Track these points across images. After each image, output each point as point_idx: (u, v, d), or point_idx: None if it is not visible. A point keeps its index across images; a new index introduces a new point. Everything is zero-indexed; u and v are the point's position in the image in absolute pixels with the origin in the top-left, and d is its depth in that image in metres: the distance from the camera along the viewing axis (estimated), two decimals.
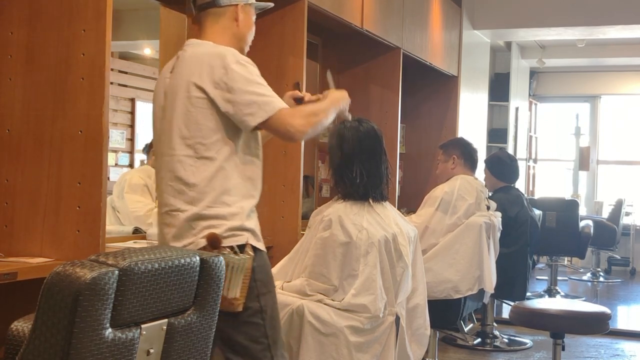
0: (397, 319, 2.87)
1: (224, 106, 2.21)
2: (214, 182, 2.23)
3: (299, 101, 2.54)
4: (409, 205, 5.35)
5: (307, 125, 2.28)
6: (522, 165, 8.03)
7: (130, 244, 2.92)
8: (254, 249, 2.27)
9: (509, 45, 8.42)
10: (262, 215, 3.50)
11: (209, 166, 2.23)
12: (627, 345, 5.39)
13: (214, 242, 2.18)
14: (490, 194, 4.98)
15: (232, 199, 2.25)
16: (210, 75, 2.21)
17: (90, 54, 2.36)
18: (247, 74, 2.23)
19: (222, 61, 2.22)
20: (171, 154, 2.24)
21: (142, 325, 1.66)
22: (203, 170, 2.23)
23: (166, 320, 1.74)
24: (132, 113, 3.68)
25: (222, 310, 2.00)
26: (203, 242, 2.19)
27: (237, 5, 2.37)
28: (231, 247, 2.21)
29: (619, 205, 8.73)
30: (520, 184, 6.94)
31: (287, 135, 2.27)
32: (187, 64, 2.27)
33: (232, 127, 2.25)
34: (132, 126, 3.68)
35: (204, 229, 2.21)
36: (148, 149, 3.67)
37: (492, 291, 4.24)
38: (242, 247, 2.23)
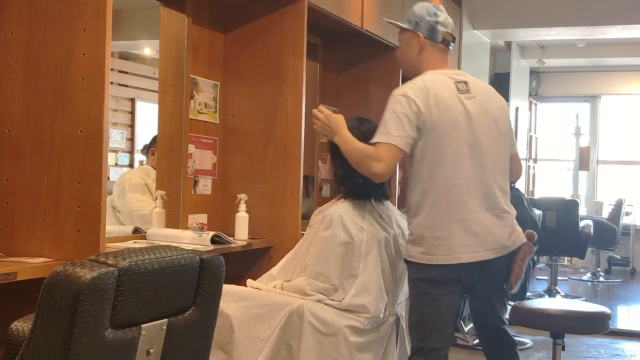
0: (398, 319, 2.87)
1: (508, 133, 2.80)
2: None
3: None
4: None
5: None
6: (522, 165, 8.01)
7: (130, 244, 2.91)
8: None
9: (509, 45, 8.41)
10: (262, 215, 3.54)
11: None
12: (627, 345, 5.39)
13: (532, 238, 2.72)
14: None
15: None
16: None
17: (90, 54, 2.35)
18: None
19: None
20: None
21: (142, 325, 1.66)
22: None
23: (166, 320, 1.74)
24: (132, 113, 3.67)
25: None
26: (523, 240, 2.69)
27: None
28: None
29: (619, 205, 8.73)
30: (520, 184, 6.94)
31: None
32: (487, 92, 2.79)
33: None
34: (132, 126, 3.68)
35: (515, 229, 2.70)
36: (147, 149, 3.66)
37: None
38: None
